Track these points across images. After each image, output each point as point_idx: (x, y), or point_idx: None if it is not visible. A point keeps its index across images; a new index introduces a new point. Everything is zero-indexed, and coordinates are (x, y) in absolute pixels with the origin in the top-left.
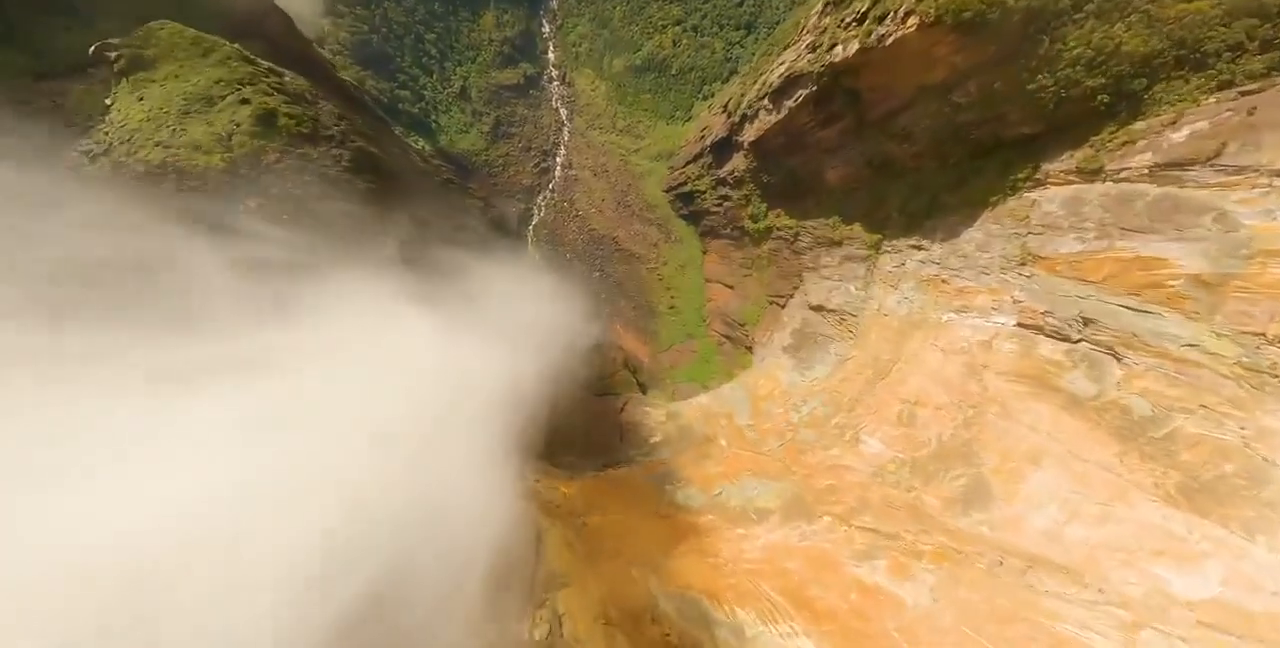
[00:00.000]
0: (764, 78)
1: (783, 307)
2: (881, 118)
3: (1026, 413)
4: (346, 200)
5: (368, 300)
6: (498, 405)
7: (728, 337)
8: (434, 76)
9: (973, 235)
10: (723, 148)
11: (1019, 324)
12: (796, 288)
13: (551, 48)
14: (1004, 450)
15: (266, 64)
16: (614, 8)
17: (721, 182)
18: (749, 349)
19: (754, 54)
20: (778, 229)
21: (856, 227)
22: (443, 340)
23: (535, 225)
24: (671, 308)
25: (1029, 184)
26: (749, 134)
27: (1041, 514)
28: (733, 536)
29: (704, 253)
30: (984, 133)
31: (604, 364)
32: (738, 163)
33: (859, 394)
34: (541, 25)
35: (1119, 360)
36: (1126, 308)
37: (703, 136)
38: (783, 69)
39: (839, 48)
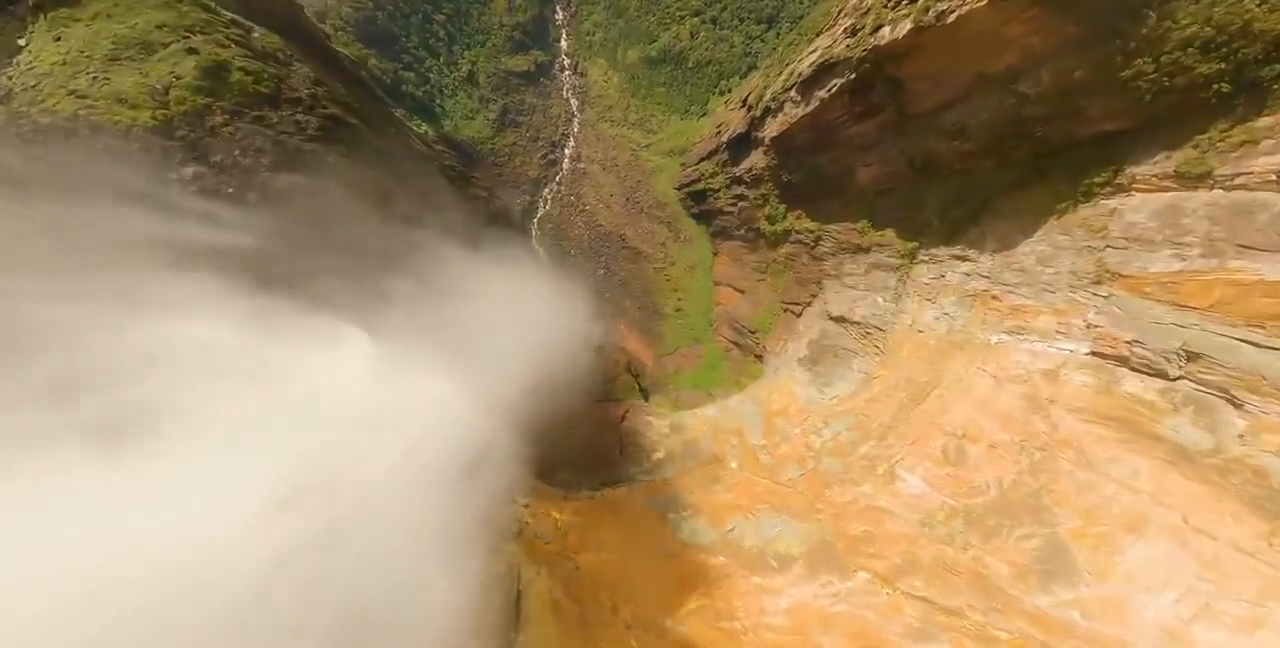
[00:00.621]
0: (792, 68)
1: (798, 315)
2: (928, 111)
3: (1116, 464)
4: (310, 174)
5: (295, 318)
6: (468, 446)
7: (736, 343)
8: (440, 59)
9: (1033, 247)
10: (740, 144)
11: (1094, 353)
12: (814, 296)
13: (564, 36)
14: (1087, 510)
15: (230, 15)
16: None
17: (737, 180)
18: (758, 358)
19: (775, 49)
20: (797, 232)
21: (889, 233)
22: (395, 370)
23: (540, 219)
24: (678, 310)
25: (1107, 190)
26: (771, 129)
27: (1153, 603)
28: (749, 587)
29: (714, 254)
30: (1054, 129)
31: (606, 368)
32: (756, 160)
33: (891, 420)
34: (555, 12)
35: (1238, 407)
36: (1249, 342)
37: (718, 132)
38: (815, 57)
39: (885, 30)
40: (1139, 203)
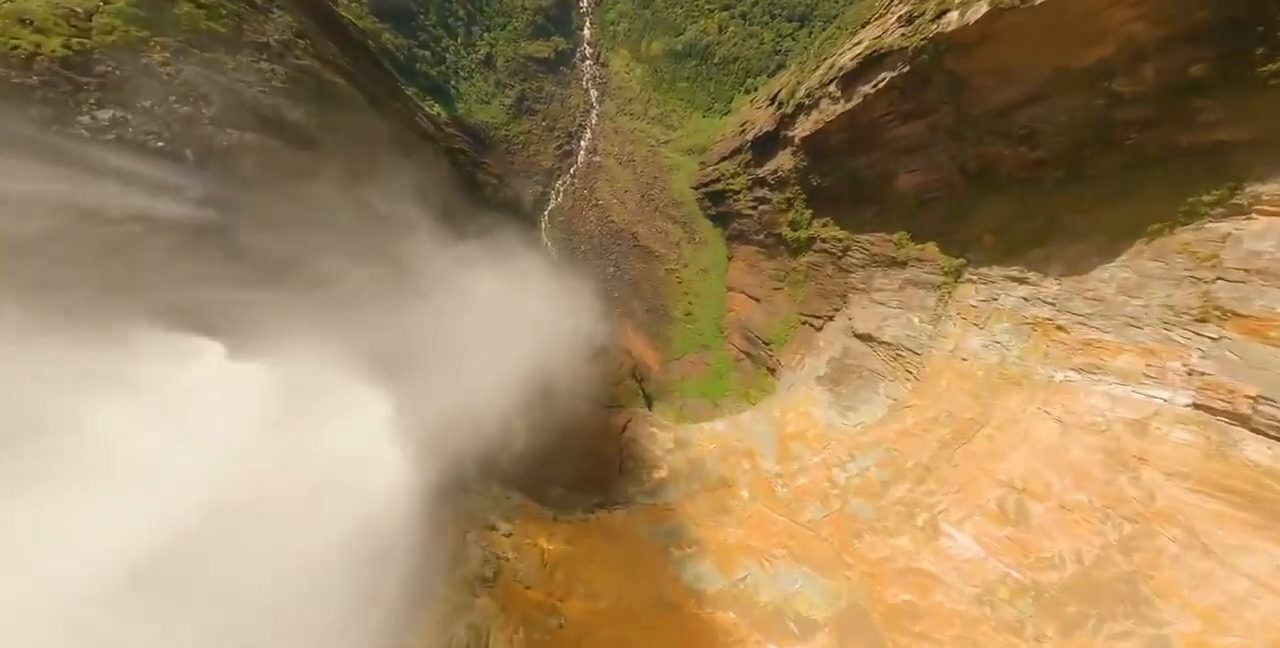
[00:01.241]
0: (832, 61)
1: (818, 329)
2: (992, 111)
3: (1246, 554)
4: (266, 133)
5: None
6: (409, 484)
7: (747, 354)
8: (459, 40)
9: (1113, 273)
10: (766, 144)
11: (1198, 405)
12: (838, 310)
13: (588, 24)
14: (1208, 611)
15: None
16: None
17: (760, 182)
18: (771, 371)
19: (806, 48)
20: (822, 240)
21: (930, 247)
22: (282, 397)
23: (551, 211)
24: (688, 315)
25: (1219, 211)
26: (803, 128)
27: None
28: None
29: (729, 259)
30: (1150, 137)
31: (610, 371)
32: (783, 161)
33: (930, 460)
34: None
35: None
36: None
37: (743, 131)
38: (861, 49)
39: (952, 15)
40: (1263, 228)
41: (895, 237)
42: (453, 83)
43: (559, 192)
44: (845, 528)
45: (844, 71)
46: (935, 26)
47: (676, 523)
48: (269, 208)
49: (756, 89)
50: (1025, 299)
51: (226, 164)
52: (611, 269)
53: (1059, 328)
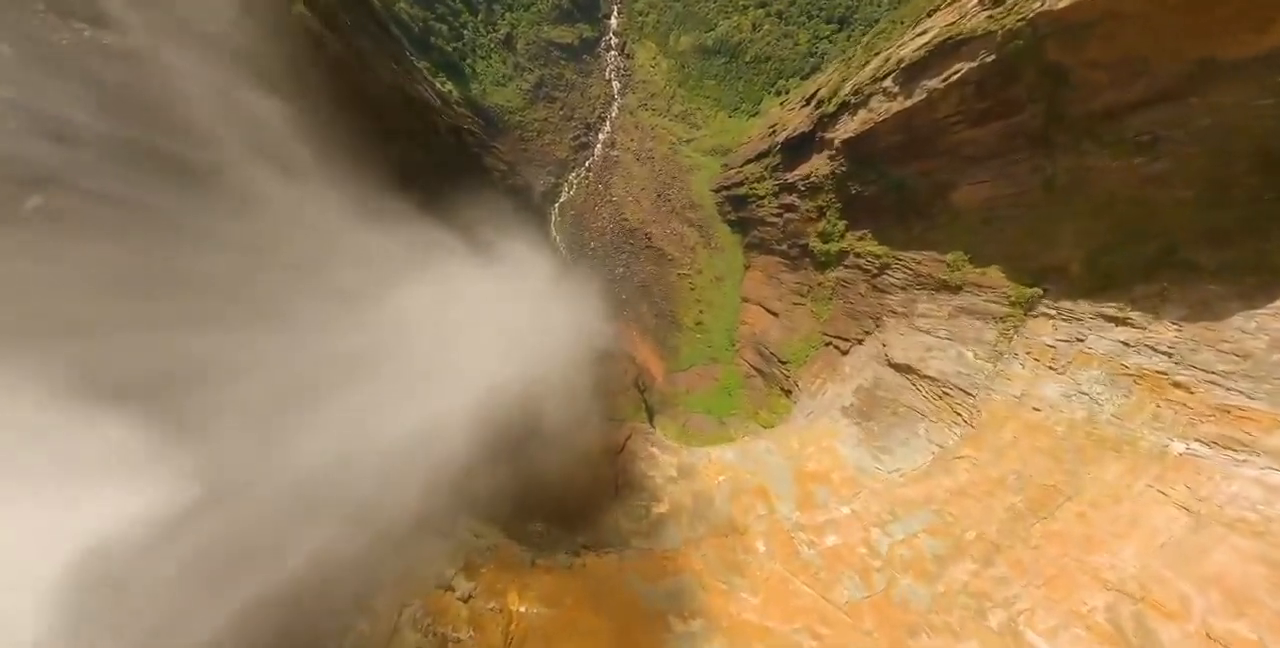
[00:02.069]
0: (888, 54)
1: (844, 353)
2: (1101, 113)
3: None
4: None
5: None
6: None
7: (759, 370)
8: (479, 17)
9: (1265, 323)
10: (798, 147)
11: None
12: (869, 334)
13: (616, 12)
14: None
15: None
16: None
17: (788, 188)
18: (786, 392)
19: (844, 51)
20: (857, 255)
21: (993, 271)
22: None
23: (562, 204)
24: (698, 324)
25: None
26: (845, 129)
27: None
28: None
29: (746, 268)
30: None
31: (611, 378)
32: (817, 166)
33: (999, 534)
34: None
35: None
36: None
37: (772, 132)
38: (929, 37)
39: None
40: None
41: (949, 257)
42: (469, 61)
43: (572, 184)
44: (894, 620)
45: (905, 64)
46: (1039, 5)
47: (679, 582)
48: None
49: (788, 91)
50: (1125, 344)
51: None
52: (621, 269)
53: (1177, 385)
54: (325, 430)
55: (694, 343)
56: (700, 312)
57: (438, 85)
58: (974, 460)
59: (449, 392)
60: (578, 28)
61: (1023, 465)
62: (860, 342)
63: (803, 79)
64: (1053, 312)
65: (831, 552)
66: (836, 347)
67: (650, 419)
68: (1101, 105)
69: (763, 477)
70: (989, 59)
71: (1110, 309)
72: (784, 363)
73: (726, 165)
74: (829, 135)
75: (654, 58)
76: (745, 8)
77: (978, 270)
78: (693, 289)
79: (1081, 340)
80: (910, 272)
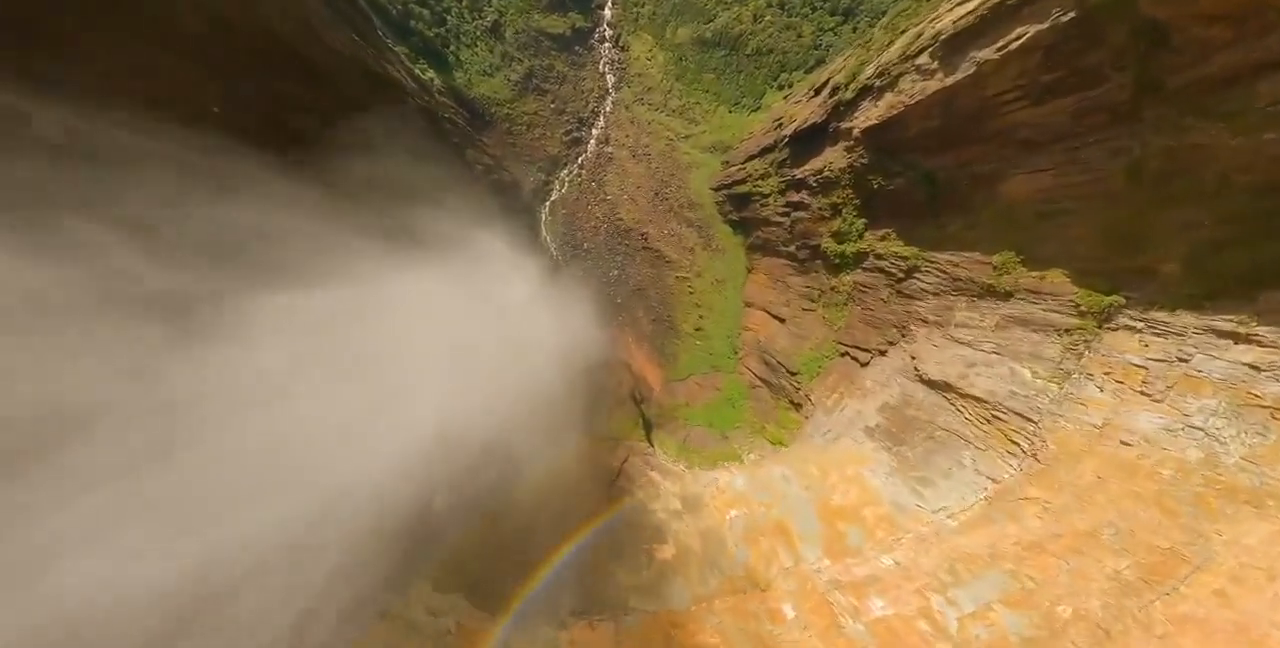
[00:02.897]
0: (919, 29)
1: (863, 365)
2: (1218, 78)
3: None
4: None
5: None
6: None
7: (765, 381)
8: (464, 2)
9: None
10: (809, 140)
11: None
12: (892, 344)
13: (610, 3)
14: None
15: None
16: None
17: (796, 184)
18: (795, 406)
19: (850, 43)
20: (878, 256)
21: (1055, 274)
22: None
23: (553, 203)
24: (698, 330)
25: None
26: (865, 117)
27: None
28: None
29: (749, 270)
30: None
31: (604, 391)
32: (831, 159)
33: (1104, 614)
34: None
35: None
36: None
37: (778, 125)
38: (976, 2)
39: None
40: None
41: (995, 259)
42: (452, 48)
43: (564, 182)
44: None
45: (946, 36)
46: None
47: None
48: None
49: (792, 85)
50: (1254, 368)
51: None
52: (615, 272)
53: None
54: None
55: (694, 350)
56: (700, 317)
57: (416, 71)
58: (1046, 505)
59: (391, 430)
60: (570, 17)
61: (1119, 517)
62: (883, 353)
63: (807, 72)
64: (1139, 324)
65: (883, 626)
66: (854, 357)
67: (648, 435)
68: (1217, 69)
69: (780, 511)
70: (1065, 18)
71: (1225, 322)
72: (793, 374)
73: (727, 162)
74: (846, 125)
75: (650, 50)
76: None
77: (1034, 274)
78: (692, 293)
79: (1185, 360)
80: (944, 275)
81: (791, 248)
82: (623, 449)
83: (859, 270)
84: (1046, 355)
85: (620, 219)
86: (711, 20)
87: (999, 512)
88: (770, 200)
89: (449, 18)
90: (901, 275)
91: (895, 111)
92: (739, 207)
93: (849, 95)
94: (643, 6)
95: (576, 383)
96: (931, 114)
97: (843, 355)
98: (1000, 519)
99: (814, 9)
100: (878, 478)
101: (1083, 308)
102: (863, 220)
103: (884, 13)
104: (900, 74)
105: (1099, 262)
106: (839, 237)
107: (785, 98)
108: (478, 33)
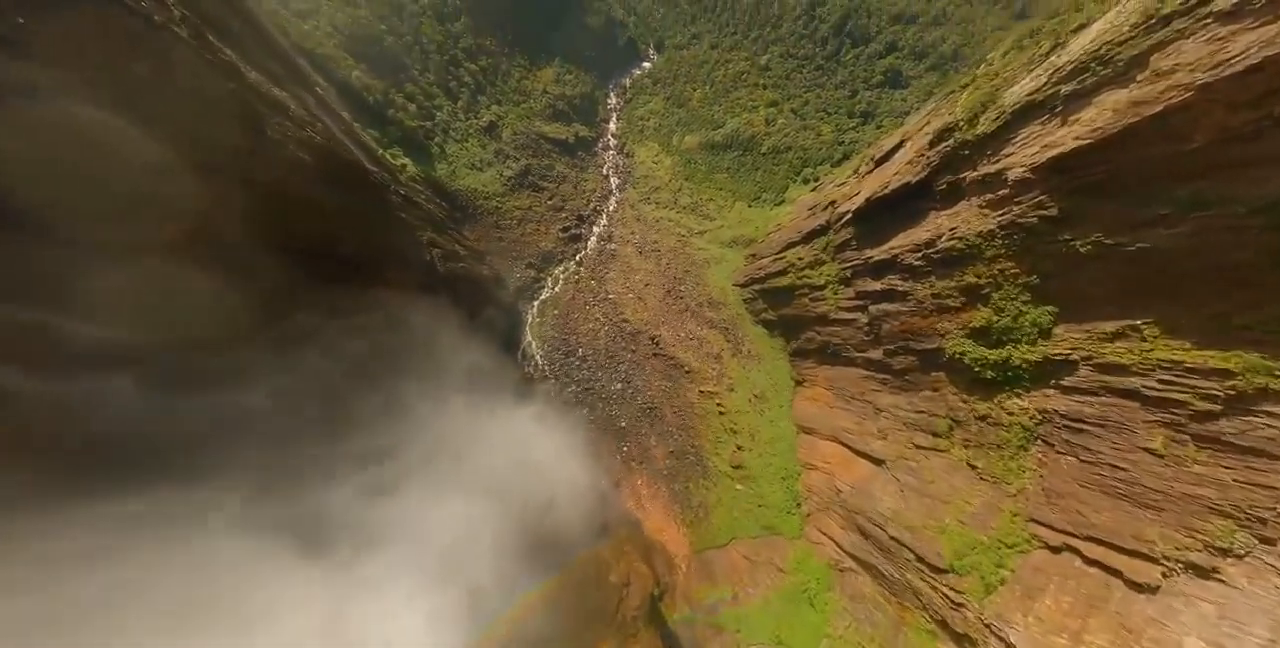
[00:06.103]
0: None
1: (1140, 587)
2: None
3: None
4: None
5: None
6: None
7: (863, 562)
8: (459, 103)
9: None
10: (892, 210)
11: None
12: (1211, 548)
13: (614, 118)
14: None
15: None
16: (693, 90)
17: (878, 268)
18: (939, 624)
19: (874, 141)
20: (1102, 369)
21: None
22: None
23: (543, 301)
24: (738, 468)
25: None
26: (1045, 145)
27: None
28: None
29: (797, 383)
30: None
31: (600, 614)
32: (960, 223)
33: None
34: (608, 96)
35: None
36: None
37: (831, 204)
38: None
39: None
40: None
41: None
42: (437, 140)
43: (558, 279)
44: None
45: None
46: None
47: None
48: None
49: (818, 178)
50: None
51: None
52: (619, 385)
53: None
54: None
55: (734, 498)
56: (738, 448)
57: (383, 154)
58: None
59: None
60: (573, 127)
61: None
62: (1186, 567)
63: (833, 166)
64: None
65: None
66: (1082, 556)
67: None
68: None
69: None
70: None
71: None
72: (940, 571)
73: (754, 256)
74: (985, 171)
75: (656, 155)
76: (755, 107)
77: None
78: (723, 413)
79: None
80: None
81: (875, 354)
82: None
83: (1054, 391)
84: None
85: (625, 320)
86: (719, 127)
87: None
88: (827, 293)
89: (439, 114)
90: (1203, 409)
91: (1095, 136)
92: (776, 303)
93: (984, 129)
94: (648, 121)
95: (550, 597)
96: (1213, 106)
97: (1056, 552)
98: None
99: (829, 114)
100: None
101: None
102: (1048, 308)
103: (907, 113)
104: (1115, 60)
105: None
106: (988, 335)
107: (813, 189)
108: (470, 130)
